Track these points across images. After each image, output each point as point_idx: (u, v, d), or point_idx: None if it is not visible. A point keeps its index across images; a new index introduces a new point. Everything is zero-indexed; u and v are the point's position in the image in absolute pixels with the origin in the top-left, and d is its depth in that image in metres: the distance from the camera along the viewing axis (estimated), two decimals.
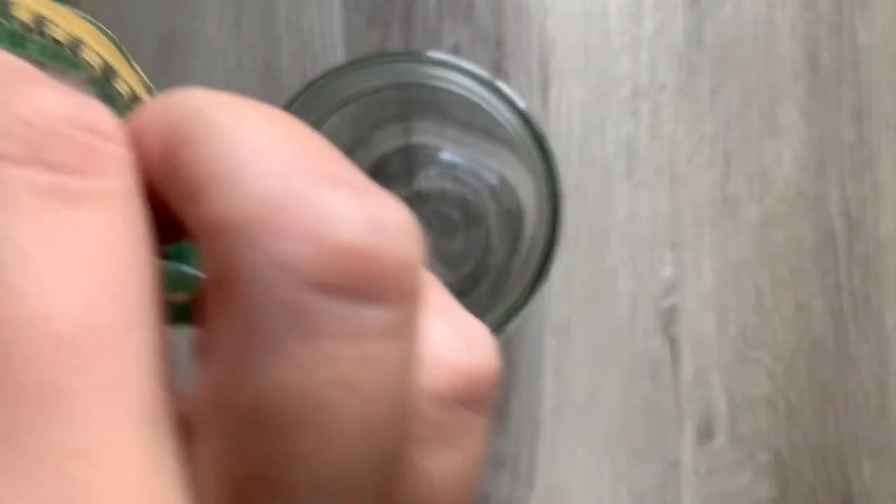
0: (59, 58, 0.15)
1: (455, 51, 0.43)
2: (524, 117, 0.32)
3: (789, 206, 0.42)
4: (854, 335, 0.42)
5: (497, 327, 0.32)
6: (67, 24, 0.16)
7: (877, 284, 0.42)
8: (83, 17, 0.16)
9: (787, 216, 0.43)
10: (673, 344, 0.42)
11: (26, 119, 0.10)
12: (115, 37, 0.16)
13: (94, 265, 0.10)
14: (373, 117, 0.40)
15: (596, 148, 0.43)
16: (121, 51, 0.17)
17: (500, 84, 0.32)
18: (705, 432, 0.42)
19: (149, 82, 0.17)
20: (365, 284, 0.11)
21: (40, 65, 0.15)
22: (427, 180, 0.42)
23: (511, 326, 0.32)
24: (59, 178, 0.10)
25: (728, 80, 0.43)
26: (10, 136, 0.10)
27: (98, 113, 0.11)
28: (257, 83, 0.42)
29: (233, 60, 0.42)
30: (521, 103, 0.32)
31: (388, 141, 0.41)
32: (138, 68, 0.17)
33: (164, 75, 0.42)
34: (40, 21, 0.15)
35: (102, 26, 0.16)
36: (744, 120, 0.43)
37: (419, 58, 0.32)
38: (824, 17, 0.43)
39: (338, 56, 0.42)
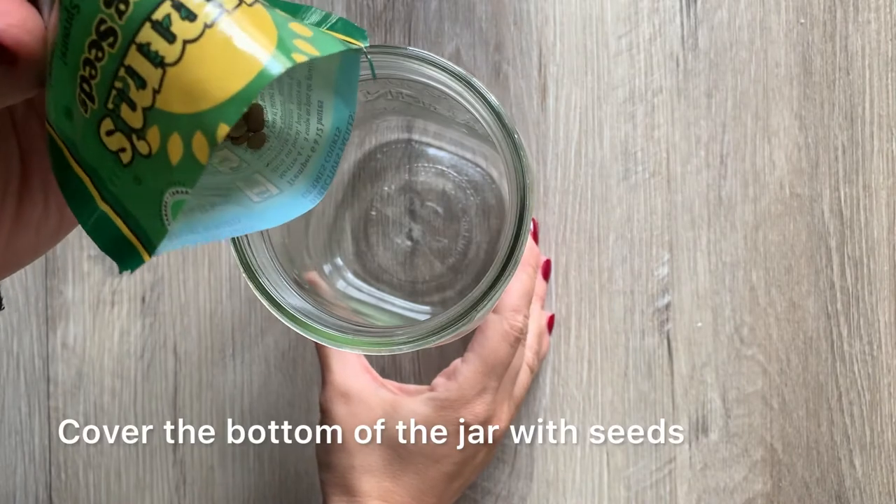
0: None
1: (455, 55, 0.43)
2: (495, 111, 0.32)
3: (783, 207, 0.43)
4: (846, 333, 0.43)
5: (463, 313, 0.31)
6: None
7: (869, 284, 0.43)
8: None
9: (780, 217, 0.43)
10: (669, 342, 0.43)
11: None
12: None
13: None
14: (363, 112, 0.40)
15: (594, 150, 0.43)
16: None
17: (473, 79, 0.32)
18: (700, 428, 0.43)
19: None
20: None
21: None
22: (412, 174, 0.42)
23: (477, 315, 0.32)
24: None
25: (723, 83, 0.43)
26: None
27: None
28: None
29: None
30: (491, 98, 0.32)
31: (373, 136, 0.42)
32: None
33: None
34: None
35: None
36: (738, 123, 0.43)
37: (396, 51, 0.32)
38: (818, 22, 0.43)
39: None
